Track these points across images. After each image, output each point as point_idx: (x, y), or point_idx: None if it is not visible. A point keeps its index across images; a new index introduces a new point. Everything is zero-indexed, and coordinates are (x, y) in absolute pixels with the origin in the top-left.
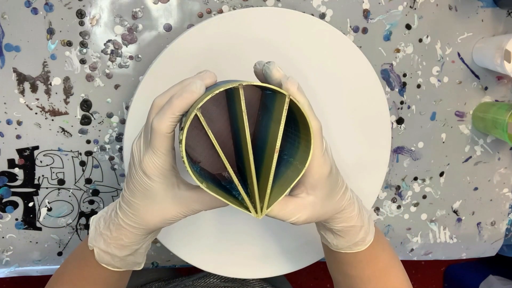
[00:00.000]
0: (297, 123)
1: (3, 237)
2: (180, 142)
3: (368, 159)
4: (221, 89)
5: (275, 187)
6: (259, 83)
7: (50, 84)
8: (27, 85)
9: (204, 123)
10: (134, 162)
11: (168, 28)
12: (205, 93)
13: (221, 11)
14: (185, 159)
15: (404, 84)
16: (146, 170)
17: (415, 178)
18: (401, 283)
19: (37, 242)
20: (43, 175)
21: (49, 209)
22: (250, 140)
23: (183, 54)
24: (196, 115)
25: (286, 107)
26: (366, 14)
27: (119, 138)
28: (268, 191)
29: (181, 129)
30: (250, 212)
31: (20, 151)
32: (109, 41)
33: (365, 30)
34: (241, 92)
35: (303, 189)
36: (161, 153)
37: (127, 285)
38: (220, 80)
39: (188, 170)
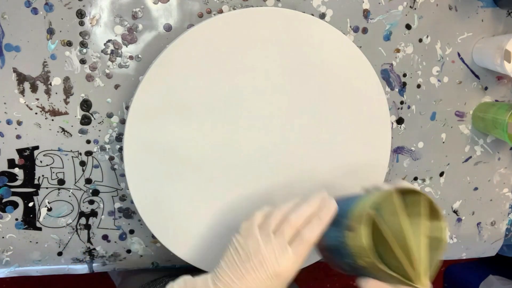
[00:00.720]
0: None
1: (3, 237)
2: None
3: (368, 159)
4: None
5: None
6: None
7: (50, 84)
8: (27, 85)
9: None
10: (259, 261)
11: (168, 28)
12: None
13: (221, 11)
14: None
15: (404, 84)
16: (283, 273)
17: (415, 178)
18: None
19: (37, 242)
20: (43, 175)
21: (49, 209)
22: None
23: (183, 54)
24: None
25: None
26: (366, 14)
27: (119, 138)
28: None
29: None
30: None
31: (20, 151)
32: (109, 41)
33: (365, 30)
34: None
35: None
36: (302, 260)
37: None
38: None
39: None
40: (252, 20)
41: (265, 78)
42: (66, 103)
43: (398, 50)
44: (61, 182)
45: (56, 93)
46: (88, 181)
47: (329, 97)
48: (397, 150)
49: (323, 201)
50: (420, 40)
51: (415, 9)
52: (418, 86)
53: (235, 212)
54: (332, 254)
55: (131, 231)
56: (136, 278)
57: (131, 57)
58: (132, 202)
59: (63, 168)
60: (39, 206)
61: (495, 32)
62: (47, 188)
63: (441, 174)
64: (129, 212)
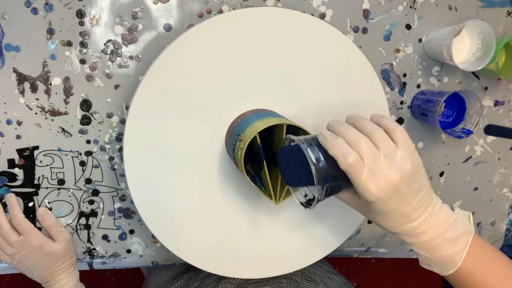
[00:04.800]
0: None
1: None
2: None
3: None
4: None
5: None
6: (295, 124)
7: (50, 84)
8: (27, 85)
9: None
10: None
11: (168, 28)
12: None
13: (221, 11)
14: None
15: (404, 84)
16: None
17: None
18: None
19: None
20: (43, 175)
21: (49, 209)
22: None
23: (183, 54)
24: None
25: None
26: (366, 14)
27: (119, 138)
28: (285, 188)
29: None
30: (272, 199)
31: (20, 151)
32: (109, 41)
33: (365, 30)
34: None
35: None
36: None
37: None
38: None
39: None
40: (252, 20)
41: (265, 78)
42: (66, 103)
43: (398, 50)
44: (61, 182)
45: (56, 93)
46: (88, 181)
47: (329, 97)
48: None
49: None
50: (420, 40)
51: (415, 9)
52: (418, 86)
53: (235, 211)
54: (229, 150)
55: (131, 231)
56: (160, 273)
57: (131, 57)
58: (132, 202)
59: (63, 168)
60: (39, 206)
61: (495, 32)
62: (47, 188)
63: (441, 174)
64: (129, 212)
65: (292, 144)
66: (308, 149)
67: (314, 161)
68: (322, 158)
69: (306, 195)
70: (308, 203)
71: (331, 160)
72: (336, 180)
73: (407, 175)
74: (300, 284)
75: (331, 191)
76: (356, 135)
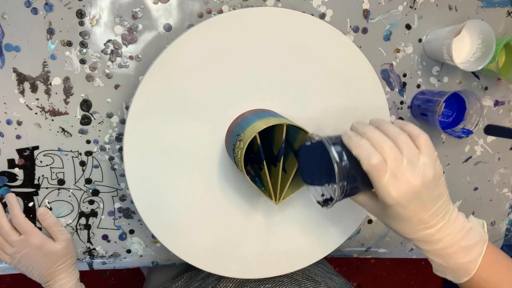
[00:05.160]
0: None
1: None
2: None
3: None
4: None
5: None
6: (296, 124)
7: (50, 84)
8: (27, 85)
9: (258, 140)
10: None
11: (168, 28)
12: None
13: (221, 11)
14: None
15: (404, 84)
16: None
17: None
18: None
19: None
20: (43, 175)
21: (49, 209)
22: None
23: (183, 54)
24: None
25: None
26: (366, 14)
27: (119, 138)
28: (285, 188)
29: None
30: (271, 199)
31: (20, 151)
32: (109, 41)
33: (365, 30)
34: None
35: None
36: None
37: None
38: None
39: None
40: (252, 20)
41: (265, 78)
42: (66, 103)
43: (398, 50)
44: (61, 182)
45: (56, 93)
46: (88, 181)
47: (329, 97)
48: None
49: None
50: (420, 40)
51: (415, 9)
52: (418, 86)
53: (235, 211)
54: (229, 150)
55: (131, 231)
56: (161, 273)
57: (131, 57)
58: (132, 202)
59: (63, 168)
60: (39, 206)
61: (495, 32)
62: (47, 188)
63: None
64: (129, 212)
65: (313, 141)
66: (332, 147)
67: (337, 159)
68: (345, 157)
69: (323, 195)
70: (325, 203)
71: (353, 161)
72: (355, 181)
73: (428, 181)
74: (301, 283)
75: (350, 192)
76: (381, 138)
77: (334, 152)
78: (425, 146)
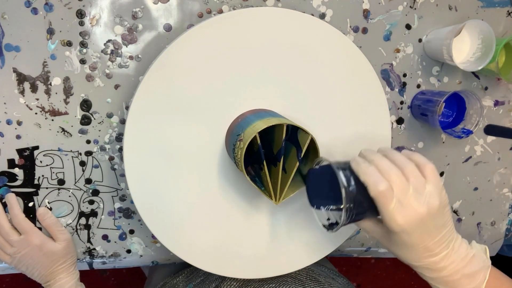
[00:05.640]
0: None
1: None
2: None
3: None
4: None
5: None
6: (296, 124)
7: (50, 84)
8: (27, 85)
9: (259, 141)
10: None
11: (168, 28)
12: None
13: (221, 11)
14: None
15: (404, 84)
16: None
17: None
18: None
19: None
20: (43, 175)
21: (49, 209)
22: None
23: (183, 54)
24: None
25: (306, 143)
26: (366, 14)
27: (119, 138)
28: (285, 188)
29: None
30: (272, 199)
31: (20, 151)
32: (109, 41)
33: (365, 30)
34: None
35: None
36: None
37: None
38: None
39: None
40: (252, 20)
41: (265, 78)
42: (66, 103)
43: (398, 50)
44: (61, 182)
45: (56, 93)
46: (88, 181)
47: (329, 97)
48: (397, 150)
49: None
50: (420, 40)
51: (415, 9)
52: (418, 86)
53: (235, 211)
54: (229, 150)
55: (131, 231)
56: (162, 270)
57: (131, 57)
58: (132, 202)
59: (63, 168)
60: (39, 206)
61: (495, 32)
62: (47, 188)
63: (441, 174)
64: (129, 212)
65: (322, 165)
66: (340, 172)
67: (345, 183)
68: (352, 183)
69: (329, 219)
70: (330, 226)
71: (360, 187)
72: (362, 206)
73: (434, 210)
74: (305, 284)
75: (356, 217)
76: (388, 166)
77: (342, 176)
78: (431, 175)
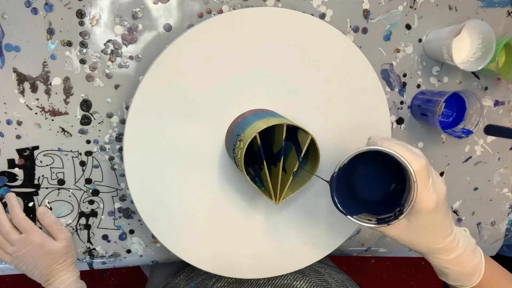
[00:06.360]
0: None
1: None
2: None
3: None
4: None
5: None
6: (295, 124)
7: (50, 84)
8: (27, 85)
9: (259, 141)
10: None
11: (168, 28)
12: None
13: (221, 11)
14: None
15: (404, 84)
16: None
17: None
18: None
19: None
20: (43, 175)
21: (49, 209)
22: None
23: (183, 54)
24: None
25: (307, 143)
26: (366, 14)
27: (119, 138)
28: (285, 188)
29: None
30: (272, 199)
31: (20, 151)
32: (109, 41)
33: (365, 30)
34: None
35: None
36: None
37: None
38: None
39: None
40: (252, 20)
41: (265, 78)
42: (66, 103)
43: (398, 50)
44: (61, 182)
45: (56, 93)
46: (88, 181)
47: (329, 97)
48: None
49: None
50: (420, 40)
51: (415, 9)
52: (418, 86)
53: (235, 211)
54: (229, 150)
55: (131, 231)
56: (162, 270)
57: (131, 57)
58: (132, 202)
59: (63, 168)
60: (39, 206)
61: (495, 32)
62: (47, 188)
63: (441, 174)
64: (129, 212)
65: (345, 163)
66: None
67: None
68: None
69: (370, 220)
70: (380, 221)
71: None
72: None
73: (446, 192)
74: (305, 273)
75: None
76: (407, 146)
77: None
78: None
